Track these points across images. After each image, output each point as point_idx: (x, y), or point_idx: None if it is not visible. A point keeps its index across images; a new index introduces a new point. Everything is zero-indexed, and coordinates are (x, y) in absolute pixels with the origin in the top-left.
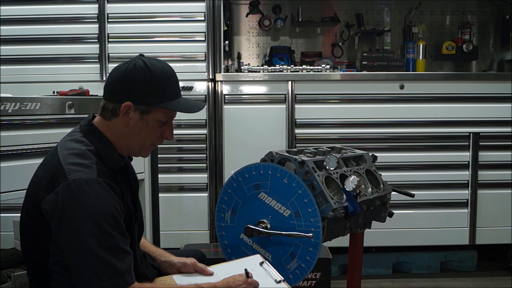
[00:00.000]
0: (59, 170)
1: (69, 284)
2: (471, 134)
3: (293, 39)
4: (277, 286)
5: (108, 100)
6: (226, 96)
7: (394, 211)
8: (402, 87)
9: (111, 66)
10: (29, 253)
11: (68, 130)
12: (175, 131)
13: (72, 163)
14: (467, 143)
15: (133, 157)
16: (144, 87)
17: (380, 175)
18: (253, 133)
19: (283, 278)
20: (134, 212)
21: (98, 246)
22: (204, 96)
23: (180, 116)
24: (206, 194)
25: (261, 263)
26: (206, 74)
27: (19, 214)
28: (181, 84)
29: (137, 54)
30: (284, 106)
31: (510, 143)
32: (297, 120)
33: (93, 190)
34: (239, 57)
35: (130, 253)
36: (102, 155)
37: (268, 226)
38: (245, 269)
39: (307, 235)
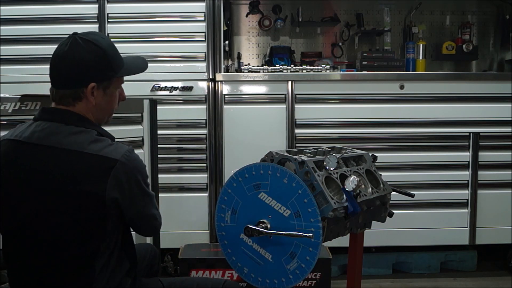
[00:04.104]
0: (97, 160)
1: (112, 255)
2: (471, 134)
3: (293, 39)
4: None
5: (66, 88)
6: (226, 96)
7: (394, 211)
8: (402, 87)
9: None
10: (62, 244)
11: None
12: (174, 131)
13: (101, 148)
14: (467, 143)
15: None
16: (102, 64)
17: (380, 175)
18: (253, 133)
19: None
20: None
21: (154, 202)
22: (204, 96)
23: (180, 116)
24: (206, 194)
25: None
26: (206, 74)
27: None
28: (181, 84)
29: (137, 54)
30: (284, 106)
31: (510, 143)
32: (297, 120)
33: (137, 158)
34: (239, 57)
35: None
36: (102, 134)
37: (268, 226)
38: None
39: (307, 235)
